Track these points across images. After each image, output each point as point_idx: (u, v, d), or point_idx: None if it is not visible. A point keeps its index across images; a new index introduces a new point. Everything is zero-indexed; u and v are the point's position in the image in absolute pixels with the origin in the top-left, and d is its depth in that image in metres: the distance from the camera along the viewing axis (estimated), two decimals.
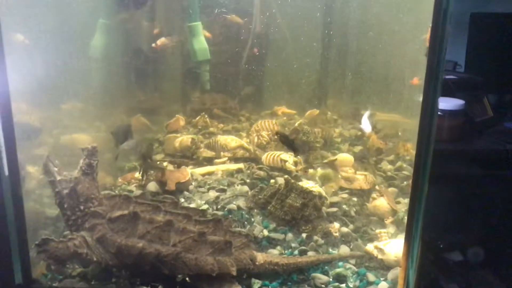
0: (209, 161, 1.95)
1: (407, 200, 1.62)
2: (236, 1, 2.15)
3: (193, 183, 1.73)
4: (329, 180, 1.73)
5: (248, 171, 1.84)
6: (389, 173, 1.87)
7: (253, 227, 1.47)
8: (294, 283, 1.28)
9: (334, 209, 1.60)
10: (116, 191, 1.67)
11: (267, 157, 1.87)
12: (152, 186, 1.67)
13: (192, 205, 1.56)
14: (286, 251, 1.40)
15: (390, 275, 1.31)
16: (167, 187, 1.64)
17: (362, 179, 1.74)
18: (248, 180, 1.76)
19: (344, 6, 2.17)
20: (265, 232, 1.46)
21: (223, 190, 1.68)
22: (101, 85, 1.83)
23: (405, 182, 1.78)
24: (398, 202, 1.67)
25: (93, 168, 1.30)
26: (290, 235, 1.46)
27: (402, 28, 1.82)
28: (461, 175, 1.86)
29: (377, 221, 1.58)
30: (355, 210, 1.63)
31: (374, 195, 1.69)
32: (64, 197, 1.25)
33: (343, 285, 1.28)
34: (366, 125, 1.99)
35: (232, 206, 1.57)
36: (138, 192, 1.65)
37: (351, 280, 1.30)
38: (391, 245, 1.36)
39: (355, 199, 1.69)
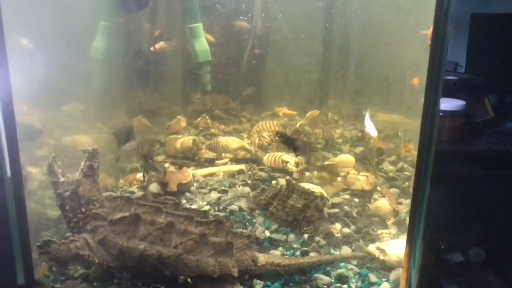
0: (211, 162, 1.95)
1: (408, 201, 1.62)
2: (236, 1, 2.15)
3: (194, 184, 1.73)
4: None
5: (250, 172, 1.83)
6: (390, 174, 1.87)
7: (255, 228, 1.47)
8: (296, 284, 1.28)
9: (336, 210, 1.60)
10: (118, 193, 1.67)
11: (268, 158, 1.87)
12: (154, 187, 1.67)
13: (194, 206, 1.56)
14: (288, 252, 1.40)
15: (392, 276, 1.31)
16: (168, 188, 1.64)
17: (363, 180, 1.74)
18: (249, 181, 1.76)
19: (345, 7, 2.17)
20: (267, 233, 1.46)
21: (225, 191, 1.68)
22: (102, 86, 1.83)
23: (406, 183, 1.78)
24: (400, 203, 1.67)
25: (94, 170, 1.30)
26: (292, 236, 1.46)
27: (403, 29, 1.82)
28: (462, 176, 1.86)
29: (379, 222, 1.58)
30: (356, 211, 1.63)
31: (375, 196, 1.68)
32: (66, 199, 1.25)
33: (345, 286, 1.28)
34: (370, 127, 1.98)
35: (234, 207, 1.57)
36: (139, 193, 1.65)
37: (353, 281, 1.30)
38: (393, 246, 1.36)
39: (356, 200, 1.69)
